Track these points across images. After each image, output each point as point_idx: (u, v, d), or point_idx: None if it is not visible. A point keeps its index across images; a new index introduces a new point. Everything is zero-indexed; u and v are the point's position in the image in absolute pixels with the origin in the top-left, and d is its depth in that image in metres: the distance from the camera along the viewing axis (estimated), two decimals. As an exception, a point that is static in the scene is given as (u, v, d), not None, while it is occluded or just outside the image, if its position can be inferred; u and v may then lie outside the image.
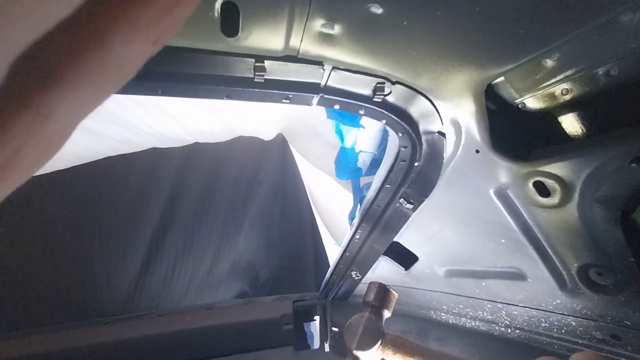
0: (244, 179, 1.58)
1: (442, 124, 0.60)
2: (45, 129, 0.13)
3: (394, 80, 0.54)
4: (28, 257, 1.29)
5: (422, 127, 0.62)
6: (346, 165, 1.02)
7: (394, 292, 0.67)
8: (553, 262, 0.67)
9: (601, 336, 0.69)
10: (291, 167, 1.64)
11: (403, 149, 0.66)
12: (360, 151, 0.98)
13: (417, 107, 0.59)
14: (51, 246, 1.33)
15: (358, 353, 0.58)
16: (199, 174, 1.50)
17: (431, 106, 0.58)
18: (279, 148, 1.63)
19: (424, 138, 0.63)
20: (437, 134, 0.61)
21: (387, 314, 0.64)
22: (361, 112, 0.57)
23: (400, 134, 0.62)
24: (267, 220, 1.61)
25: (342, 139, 1.02)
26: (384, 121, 0.59)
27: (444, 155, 0.64)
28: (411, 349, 0.55)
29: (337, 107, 0.57)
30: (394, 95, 0.57)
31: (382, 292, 0.66)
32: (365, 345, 0.58)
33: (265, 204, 1.63)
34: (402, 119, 0.59)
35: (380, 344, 0.58)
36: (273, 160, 1.62)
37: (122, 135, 1.04)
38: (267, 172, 1.61)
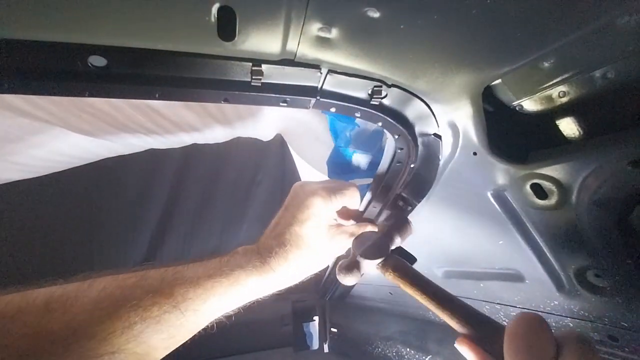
0: (242, 179, 1.58)
1: (438, 126, 0.60)
2: None
3: (389, 83, 0.54)
4: (27, 258, 1.30)
5: (418, 129, 0.62)
6: (338, 166, 1.02)
7: (412, 226, 0.69)
8: (550, 264, 0.67)
9: (598, 337, 0.69)
10: (290, 168, 1.64)
11: (399, 151, 0.66)
12: (355, 151, 0.98)
13: (413, 110, 0.59)
14: (50, 246, 1.33)
15: (360, 259, 0.60)
16: (198, 175, 1.51)
17: (427, 108, 0.58)
18: (278, 149, 1.63)
19: (420, 140, 0.63)
20: (433, 135, 0.62)
21: (398, 241, 0.66)
22: (357, 114, 0.58)
23: (396, 136, 0.62)
24: (266, 221, 1.61)
25: (335, 137, 1.02)
26: (380, 123, 0.60)
27: (440, 156, 0.64)
28: (410, 275, 0.57)
29: (333, 110, 0.57)
30: (390, 97, 0.57)
31: (401, 220, 0.68)
32: (369, 256, 0.59)
33: (264, 204, 1.63)
34: (398, 121, 0.59)
35: (383, 260, 0.59)
36: (272, 161, 1.62)
37: (120, 137, 1.04)
38: (265, 172, 1.61)
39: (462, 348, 0.44)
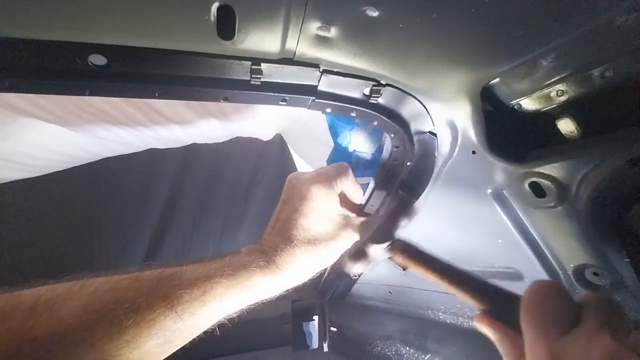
0: (242, 179, 1.58)
1: (434, 124, 0.60)
2: None
3: (384, 82, 0.55)
4: (27, 258, 1.30)
5: (413, 127, 0.62)
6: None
7: (417, 206, 0.67)
8: (549, 263, 0.67)
9: (597, 336, 0.69)
10: (290, 168, 1.64)
11: (395, 149, 0.66)
12: (354, 151, 0.98)
13: (408, 108, 0.59)
14: (50, 246, 1.33)
15: (367, 244, 0.58)
16: (198, 175, 1.51)
17: (422, 107, 0.58)
18: (278, 149, 1.63)
19: (415, 138, 0.63)
20: (428, 133, 0.62)
21: (405, 223, 0.63)
22: (353, 114, 0.58)
23: (392, 135, 0.63)
24: (267, 221, 1.61)
25: (335, 137, 1.02)
26: (376, 122, 0.60)
27: (436, 154, 0.64)
28: (419, 255, 0.56)
29: (328, 110, 0.57)
30: (385, 97, 0.57)
31: (405, 203, 0.66)
32: (376, 241, 0.58)
33: (264, 204, 1.63)
34: (393, 119, 0.60)
35: (390, 244, 0.58)
36: (271, 161, 1.62)
37: (120, 137, 1.04)
38: (265, 172, 1.61)
39: (482, 326, 0.42)
